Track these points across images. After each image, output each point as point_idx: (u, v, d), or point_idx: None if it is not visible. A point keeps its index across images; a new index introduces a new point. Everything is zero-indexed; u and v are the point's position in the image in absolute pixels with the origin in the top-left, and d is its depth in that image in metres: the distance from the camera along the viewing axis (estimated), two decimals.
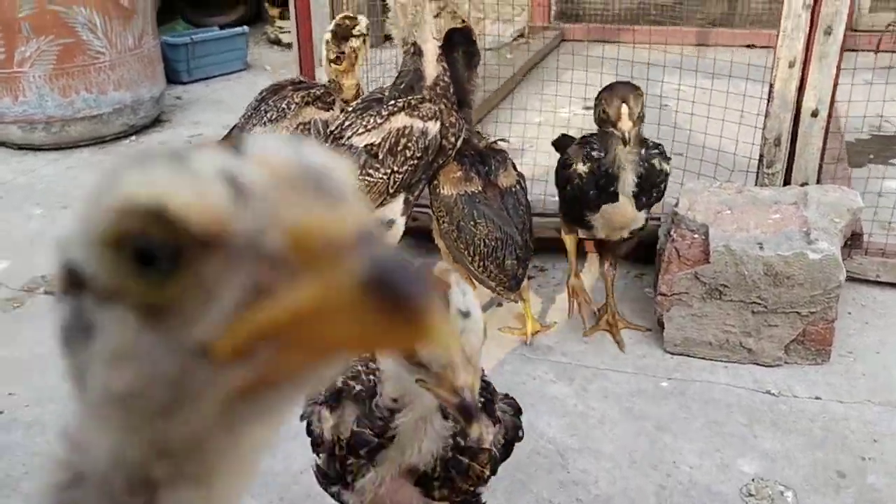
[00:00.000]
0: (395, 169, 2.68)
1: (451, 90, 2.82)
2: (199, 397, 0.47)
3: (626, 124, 2.54)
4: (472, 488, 1.49)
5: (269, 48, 7.32)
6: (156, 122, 5.37)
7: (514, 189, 2.90)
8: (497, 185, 2.87)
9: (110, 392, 0.48)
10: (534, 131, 4.41)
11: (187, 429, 0.49)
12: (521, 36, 7.16)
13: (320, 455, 1.52)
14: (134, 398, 0.48)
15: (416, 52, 2.79)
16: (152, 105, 5.20)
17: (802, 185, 3.13)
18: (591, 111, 5.27)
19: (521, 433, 1.65)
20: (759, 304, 2.76)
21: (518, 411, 1.67)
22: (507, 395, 1.69)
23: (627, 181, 2.67)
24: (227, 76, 6.48)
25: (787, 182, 3.19)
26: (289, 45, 6.75)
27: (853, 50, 5.97)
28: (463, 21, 7.76)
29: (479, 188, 2.83)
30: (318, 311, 0.43)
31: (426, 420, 1.37)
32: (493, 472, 1.53)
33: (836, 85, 3.02)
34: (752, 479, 2.35)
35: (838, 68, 2.99)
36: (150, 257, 0.45)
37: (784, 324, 2.77)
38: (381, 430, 1.39)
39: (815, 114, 3.04)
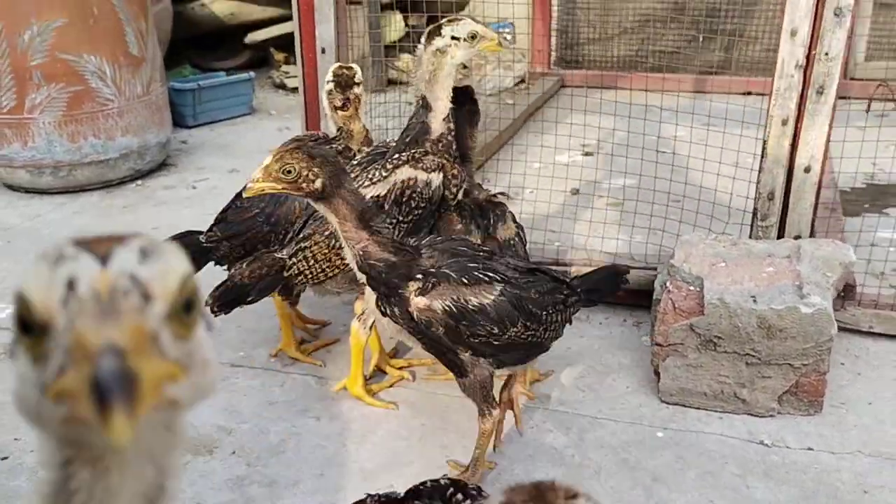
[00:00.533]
0: (401, 219, 2.75)
1: (454, 146, 2.90)
2: (45, 419, 0.70)
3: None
4: None
5: (274, 92, 7.45)
6: (162, 166, 5.47)
7: (512, 242, 2.97)
8: (496, 239, 2.94)
9: (16, 404, 0.73)
10: (533, 177, 4.48)
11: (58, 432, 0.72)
12: (522, 81, 7.30)
13: None
14: (23, 411, 0.72)
15: (426, 106, 2.86)
16: (158, 150, 5.30)
17: (796, 237, 3.20)
18: (591, 156, 5.37)
19: None
20: (753, 355, 2.81)
21: None
22: None
23: None
24: (232, 120, 6.59)
25: (780, 235, 3.26)
26: (294, 90, 6.89)
27: (845, 97, 6.14)
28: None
29: (479, 241, 2.89)
30: (69, 391, 0.65)
31: None
32: None
33: (828, 141, 3.10)
34: None
35: (830, 125, 3.07)
36: (27, 328, 0.69)
37: (777, 375, 2.82)
38: None
39: (807, 170, 3.12)
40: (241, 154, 5.76)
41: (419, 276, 2.31)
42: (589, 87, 6.77)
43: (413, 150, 2.82)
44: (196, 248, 2.96)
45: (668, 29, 7.62)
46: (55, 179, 4.87)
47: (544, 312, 2.46)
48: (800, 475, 2.61)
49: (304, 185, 2.19)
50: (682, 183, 3.90)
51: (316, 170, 2.18)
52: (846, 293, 3.31)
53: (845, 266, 2.99)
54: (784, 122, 3.05)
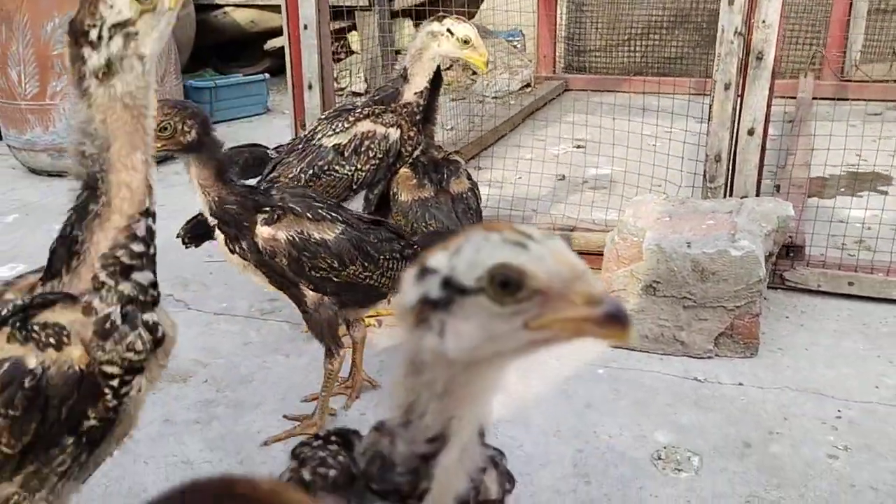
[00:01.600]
0: (359, 167, 3.00)
1: (418, 114, 3.13)
2: (508, 347, 0.92)
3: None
4: None
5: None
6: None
7: (465, 195, 3.19)
8: (449, 192, 3.16)
9: (465, 342, 0.92)
10: (525, 165, 4.72)
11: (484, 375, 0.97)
12: (528, 86, 7.55)
13: None
14: (475, 349, 0.92)
15: (404, 77, 3.11)
16: None
17: (742, 197, 3.38)
18: (582, 150, 5.58)
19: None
20: (689, 298, 2.99)
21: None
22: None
23: None
24: (248, 118, 6.94)
25: (729, 195, 3.44)
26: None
27: (845, 99, 6.29)
28: (473, 72, 8.16)
29: (432, 194, 3.12)
30: (577, 319, 0.89)
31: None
32: None
33: (769, 105, 3.29)
34: (664, 447, 2.56)
35: (771, 90, 3.27)
36: (507, 285, 0.89)
37: (712, 317, 3.00)
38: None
39: (751, 132, 3.31)
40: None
41: (266, 209, 2.48)
42: (591, 91, 7.06)
43: (374, 108, 3.08)
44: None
45: (673, 36, 7.84)
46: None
47: (381, 257, 2.57)
48: (727, 404, 2.78)
49: (180, 138, 2.30)
50: (666, 168, 4.10)
51: (189, 121, 2.30)
52: (795, 255, 3.48)
53: (783, 219, 3.17)
54: (727, 87, 3.25)
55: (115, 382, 1.48)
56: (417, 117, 3.12)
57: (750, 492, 2.36)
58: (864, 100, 6.12)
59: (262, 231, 2.46)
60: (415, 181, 3.13)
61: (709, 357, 3.04)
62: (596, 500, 2.34)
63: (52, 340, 1.41)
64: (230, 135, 6.52)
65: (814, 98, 6.12)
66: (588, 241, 3.59)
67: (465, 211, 3.15)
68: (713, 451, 2.54)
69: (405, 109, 3.11)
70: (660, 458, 2.51)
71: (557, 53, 7.77)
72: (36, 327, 1.41)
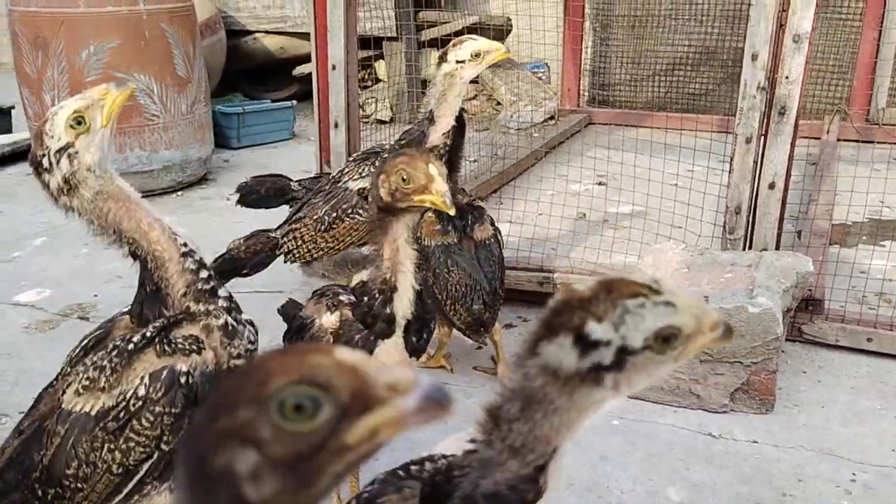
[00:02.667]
0: None
1: (444, 156, 3.17)
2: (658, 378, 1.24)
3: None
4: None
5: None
6: (202, 180, 5.90)
7: (488, 242, 3.21)
8: (472, 238, 3.19)
9: (636, 388, 1.20)
10: (546, 203, 4.75)
11: None
12: (551, 118, 7.59)
13: None
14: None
15: (430, 119, 3.14)
16: (199, 165, 5.74)
17: (762, 250, 3.39)
18: (604, 185, 5.61)
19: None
20: (706, 353, 3.00)
21: None
22: None
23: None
24: (274, 144, 7.03)
25: (749, 247, 3.45)
26: None
27: (870, 141, 6.27)
28: (498, 103, 8.23)
29: (455, 240, 3.15)
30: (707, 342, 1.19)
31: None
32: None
33: (790, 159, 3.30)
34: None
35: (792, 145, 3.28)
36: (668, 339, 1.19)
37: (729, 372, 3.00)
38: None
39: (772, 186, 3.32)
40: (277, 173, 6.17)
41: None
42: (615, 125, 7.10)
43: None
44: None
45: (698, 72, 7.86)
46: None
47: None
48: (740, 462, 2.78)
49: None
50: (687, 213, 4.10)
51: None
52: (814, 308, 3.48)
53: (802, 276, 3.17)
54: (748, 140, 3.27)
55: None
56: (443, 160, 3.15)
57: None
58: (890, 143, 6.10)
59: None
60: (439, 227, 3.16)
61: (724, 412, 3.04)
62: None
63: (193, 347, 1.79)
64: (256, 160, 6.62)
65: (838, 139, 6.12)
66: None
67: (487, 258, 3.17)
68: None
69: (432, 153, 3.15)
70: None
71: (582, 86, 7.81)
72: (179, 339, 1.78)
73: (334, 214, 3.07)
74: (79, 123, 1.79)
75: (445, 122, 3.14)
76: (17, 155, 6.38)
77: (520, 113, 7.64)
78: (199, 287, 1.84)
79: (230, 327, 1.84)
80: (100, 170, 1.81)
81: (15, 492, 1.72)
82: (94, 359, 1.78)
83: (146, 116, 5.27)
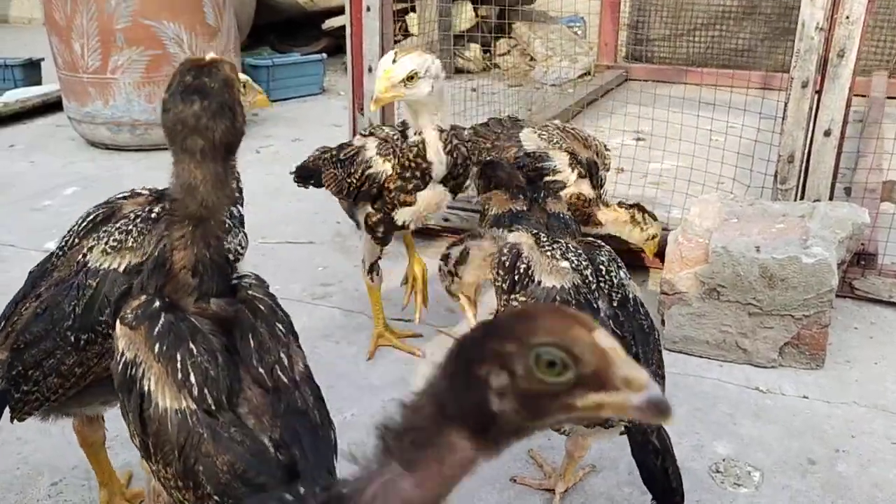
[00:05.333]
0: (347, 175, 2.85)
1: (419, 160, 2.76)
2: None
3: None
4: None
5: (345, 75, 7.74)
6: None
7: (561, 214, 2.98)
8: (544, 210, 2.97)
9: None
10: None
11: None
12: (587, 74, 7.40)
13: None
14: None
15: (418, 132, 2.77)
16: None
17: (815, 201, 3.24)
18: (643, 142, 5.44)
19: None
20: (755, 305, 2.88)
21: None
22: None
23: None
24: (303, 98, 6.93)
25: (801, 198, 3.30)
26: None
27: None
28: (532, 58, 8.01)
29: (524, 207, 2.93)
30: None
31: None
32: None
33: (848, 105, 3.13)
34: (724, 459, 2.47)
35: (851, 90, 3.11)
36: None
37: (779, 326, 2.88)
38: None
39: (827, 133, 3.16)
40: (306, 126, 6.08)
41: None
42: (653, 82, 6.89)
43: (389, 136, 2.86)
44: None
45: (740, 27, 7.61)
46: (132, 137, 5.26)
47: None
48: (789, 417, 2.66)
49: None
50: (733, 166, 3.96)
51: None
52: (867, 263, 3.33)
53: (858, 226, 3.02)
54: (804, 85, 3.11)
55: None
56: (419, 162, 2.70)
57: None
58: None
59: None
60: (507, 196, 2.95)
61: (772, 367, 2.93)
62: None
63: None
64: (285, 113, 6.52)
65: (888, 97, 5.89)
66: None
67: (558, 227, 2.93)
68: (775, 466, 2.43)
69: (407, 150, 2.73)
70: (718, 472, 2.41)
71: (619, 42, 7.60)
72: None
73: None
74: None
75: (426, 126, 2.71)
76: (49, 106, 6.34)
77: (555, 69, 7.46)
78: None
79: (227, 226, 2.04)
80: None
81: (46, 340, 1.84)
82: (118, 226, 1.91)
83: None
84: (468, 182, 2.91)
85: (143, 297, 1.62)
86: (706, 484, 2.36)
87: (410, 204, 2.78)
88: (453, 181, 2.81)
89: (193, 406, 1.48)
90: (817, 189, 3.24)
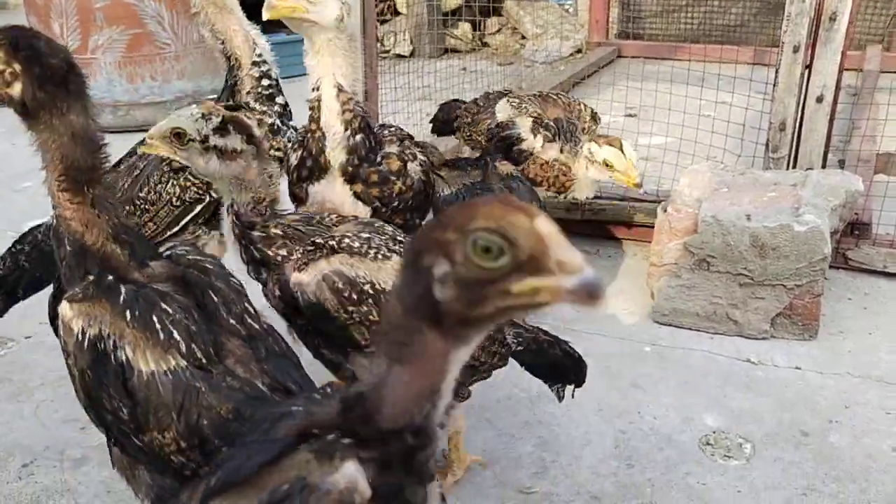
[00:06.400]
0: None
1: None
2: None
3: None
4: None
5: None
6: None
7: (514, 174, 2.92)
8: (497, 173, 2.91)
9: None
10: None
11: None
12: (579, 51, 7.31)
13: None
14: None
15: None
16: (212, 96, 5.55)
17: (807, 169, 3.16)
18: (634, 118, 5.37)
19: None
20: (746, 275, 2.80)
21: None
22: None
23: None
24: (290, 79, 6.78)
25: (793, 167, 3.22)
26: None
27: None
28: (522, 36, 7.92)
29: (480, 178, 2.86)
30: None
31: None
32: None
33: (841, 71, 3.05)
34: (714, 431, 2.40)
35: (843, 55, 3.03)
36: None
37: (770, 296, 2.81)
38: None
39: (819, 99, 3.08)
40: (295, 106, 5.97)
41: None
42: (645, 58, 6.79)
43: None
44: None
45: (732, 2, 7.50)
46: (114, 118, 5.16)
47: None
48: (782, 389, 2.60)
49: None
50: (723, 135, 3.88)
51: (15, 67, 1.50)
52: (861, 233, 3.26)
53: (851, 194, 2.95)
54: (795, 49, 3.03)
55: (279, 164, 2.30)
56: (312, 130, 2.21)
57: (807, 484, 2.19)
58: None
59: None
60: (456, 172, 2.90)
61: (764, 338, 2.86)
62: (638, 485, 2.19)
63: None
64: None
65: (882, 71, 5.80)
66: (639, 212, 3.41)
67: (519, 188, 2.90)
68: (766, 438, 2.37)
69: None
70: (708, 444, 2.35)
71: (611, 18, 7.48)
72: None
73: None
74: None
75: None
76: None
77: (545, 46, 7.35)
78: (259, 91, 2.45)
79: (276, 126, 2.42)
80: None
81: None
82: None
83: (157, 45, 5.09)
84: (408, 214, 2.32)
85: (90, 278, 1.53)
86: (696, 457, 2.30)
87: (302, 201, 2.26)
88: (363, 184, 2.17)
89: (184, 363, 1.44)
90: (809, 157, 3.16)
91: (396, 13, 7.56)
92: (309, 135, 2.18)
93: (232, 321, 1.54)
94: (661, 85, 4.32)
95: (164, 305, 1.48)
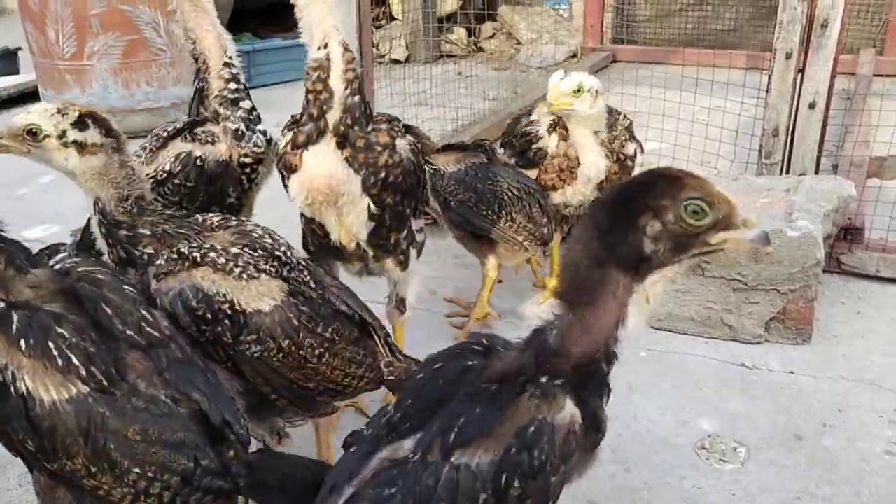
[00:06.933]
0: None
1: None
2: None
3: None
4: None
5: None
6: None
7: (510, 165, 3.02)
8: (498, 161, 2.97)
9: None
10: None
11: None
12: (574, 56, 7.34)
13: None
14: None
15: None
16: None
17: (801, 175, 3.19)
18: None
19: None
20: (740, 280, 2.83)
21: None
22: None
23: None
24: (286, 83, 6.84)
25: (786, 173, 3.26)
26: None
27: None
28: (517, 42, 7.94)
29: (486, 160, 2.91)
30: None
31: None
32: None
33: (833, 78, 3.09)
34: (709, 436, 2.42)
35: (835, 62, 3.06)
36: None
37: (764, 301, 2.83)
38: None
39: (812, 105, 3.12)
40: (288, 112, 5.96)
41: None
42: (639, 63, 6.83)
43: None
44: None
45: (726, 7, 7.55)
46: None
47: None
48: (776, 393, 2.62)
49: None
50: (717, 141, 3.91)
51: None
52: (854, 237, 3.29)
53: (843, 199, 2.98)
54: (788, 56, 3.06)
55: (248, 170, 2.38)
56: (318, 91, 2.08)
57: (801, 487, 2.21)
58: None
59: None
60: (455, 155, 2.94)
61: (758, 343, 2.88)
62: (635, 489, 2.22)
63: (209, 139, 2.32)
64: (269, 99, 6.41)
65: (875, 75, 5.84)
66: None
67: (518, 174, 2.94)
68: (761, 441, 2.39)
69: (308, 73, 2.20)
70: (704, 448, 2.37)
71: (605, 23, 7.53)
72: (199, 133, 2.33)
73: None
74: None
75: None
76: (26, 96, 6.24)
77: (541, 51, 7.39)
78: (225, 95, 2.36)
79: (240, 132, 2.35)
80: None
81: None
82: (144, 143, 2.31)
83: (153, 51, 5.10)
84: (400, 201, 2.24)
85: None
86: (691, 460, 2.32)
87: (296, 169, 2.14)
88: (352, 147, 2.08)
89: (85, 389, 1.42)
90: (802, 162, 3.19)
91: (392, 18, 7.58)
92: (312, 96, 2.06)
93: (129, 332, 1.51)
94: (655, 90, 4.36)
95: (59, 329, 1.44)
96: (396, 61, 7.32)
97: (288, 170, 2.16)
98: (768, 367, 2.76)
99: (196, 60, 2.45)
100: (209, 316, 1.73)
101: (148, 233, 1.82)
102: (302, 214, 2.31)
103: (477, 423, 1.24)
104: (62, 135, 1.75)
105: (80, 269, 1.58)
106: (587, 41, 7.38)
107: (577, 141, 2.89)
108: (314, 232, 2.31)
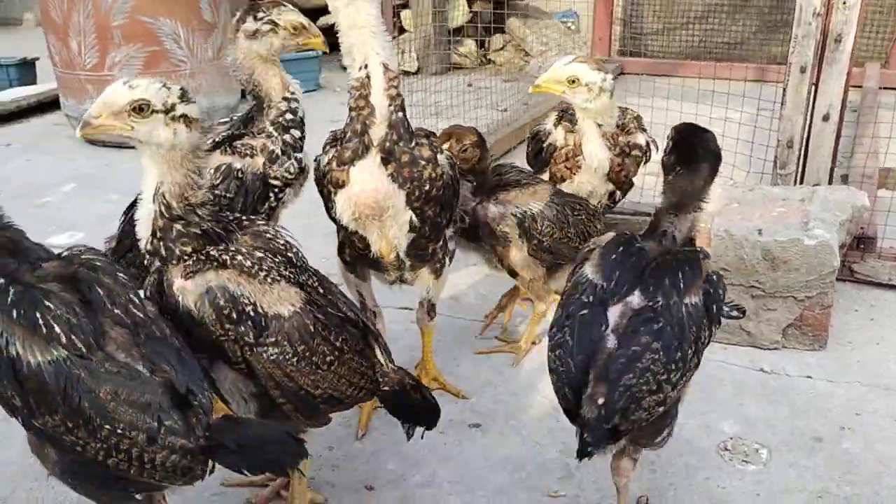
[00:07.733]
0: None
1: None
2: None
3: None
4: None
5: (341, 73, 7.75)
6: None
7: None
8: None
9: None
10: None
11: None
12: None
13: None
14: None
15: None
16: (226, 113, 5.64)
17: (814, 185, 3.27)
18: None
19: None
20: (758, 287, 2.91)
21: None
22: None
23: None
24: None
25: (800, 183, 3.33)
26: None
27: None
28: (526, 53, 8.02)
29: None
30: None
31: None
32: None
33: (846, 91, 3.17)
34: (731, 438, 2.50)
35: (848, 75, 3.15)
36: None
37: (781, 308, 2.91)
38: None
39: (826, 118, 3.20)
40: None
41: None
42: (647, 75, 6.92)
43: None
44: None
45: (733, 20, 7.65)
46: None
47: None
48: (794, 397, 2.70)
49: None
50: (732, 152, 3.98)
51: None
52: (867, 246, 3.37)
53: (858, 209, 3.06)
54: (802, 70, 3.14)
55: (276, 190, 2.45)
56: (360, 107, 2.19)
57: (821, 487, 2.28)
58: None
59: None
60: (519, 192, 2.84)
61: (775, 348, 2.96)
62: (662, 490, 2.29)
63: (247, 152, 2.41)
64: None
65: (881, 87, 5.93)
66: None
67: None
68: (781, 444, 2.46)
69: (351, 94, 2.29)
70: (726, 449, 2.44)
71: (613, 36, 7.63)
72: (238, 146, 2.42)
73: None
74: (295, 29, 2.55)
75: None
76: (44, 105, 6.34)
77: (549, 63, 7.47)
78: (279, 122, 2.44)
79: (275, 155, 2.42)
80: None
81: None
82: None
83: (173, 62, 5.19)
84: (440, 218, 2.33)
85: None
86: (715, 462, 2.39)
87: (343, 185, 2.23)
88: (396, 163, 2.18)
89: (65, 353, 1.59)
90: (816, 173, 3.27)
91: (402, 31, 7.68)
92: (355, 113, 2.16)
93: (117, 311, 1.68)
94: (665, 102, 4.44)
95: (46, 303, 1.63)
96: (407, 73, 7.41)
97: (335, 186, 2.24)
98: (786, 372, 2.83)
99: (255, 97, 2.50)
100: (234, 315, 1.81)
101: (198, 231, 1.85)
102: (341, 226, 2.37)
103: (689, 277, 1.80)
104: (171, 108, 1.76)
105: (83, 257, 1.76)
106: (595, 53, 7.46)
107: (581, 130, 2.95)
108: (353, 244, 2.39)
